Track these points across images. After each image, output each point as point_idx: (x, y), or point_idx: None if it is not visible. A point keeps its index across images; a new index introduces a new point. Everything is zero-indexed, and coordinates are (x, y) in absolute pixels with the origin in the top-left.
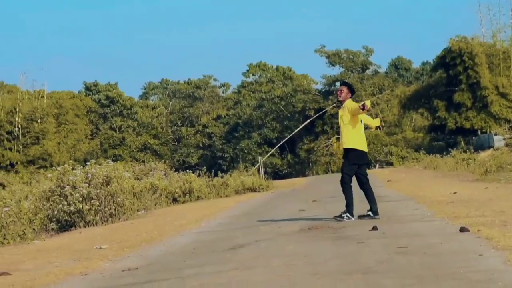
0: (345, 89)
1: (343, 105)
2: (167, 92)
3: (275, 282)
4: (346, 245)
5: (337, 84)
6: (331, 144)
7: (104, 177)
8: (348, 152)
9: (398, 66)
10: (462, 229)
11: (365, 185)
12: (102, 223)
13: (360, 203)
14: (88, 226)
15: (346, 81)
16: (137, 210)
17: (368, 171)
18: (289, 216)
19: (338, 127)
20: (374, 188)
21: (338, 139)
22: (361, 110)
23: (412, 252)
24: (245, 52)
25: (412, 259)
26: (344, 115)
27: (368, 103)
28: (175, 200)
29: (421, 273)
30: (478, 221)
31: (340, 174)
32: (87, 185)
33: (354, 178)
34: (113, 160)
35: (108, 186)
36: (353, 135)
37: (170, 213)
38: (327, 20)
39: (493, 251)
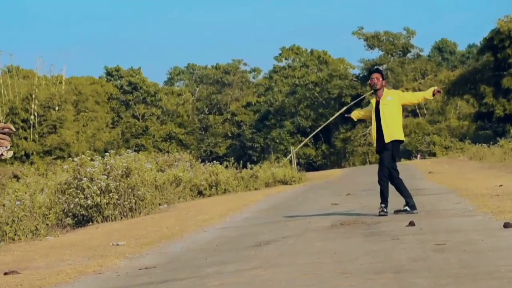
0: (380, 77)
1: (382, 94)
2: (193, 78)
3: (300, 281)
4: (379, 242)
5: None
6: (369, 133)
7: (124, 169)
8: (395, 144)
9: (442, 49)
10: (507, 225)
11: (396, 179)
12: (121, 218)
13: (397, 197)
14: (106, 221)
15: (378, 67)
16: (159, 204)
17: (409, 162)
18: (320, 211)
19: (378, 119)
20: (414, 180)
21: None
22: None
23: (450, 249)
24: (278, 34)
25: (449, 257)
26: (389, 104)
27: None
28: (200, 193)
29: (458, 272)
30: None
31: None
32: (105, 177)
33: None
34: (135, 151)
35: (128, 178)
36: (401, 125)
37: (194, 207)
38: (366, 0)
39: None
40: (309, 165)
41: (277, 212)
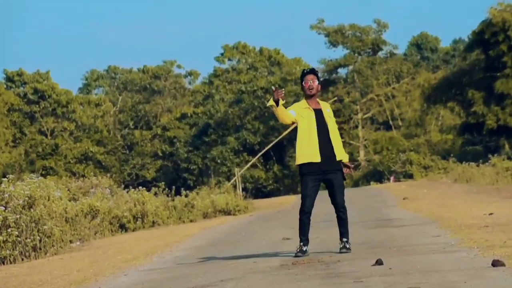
0: (316, 79)
1: (316, 102)
2: (115, 84)
3: None
4: (338, 286)
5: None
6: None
7: (26, 198)
8: (342, 166)
9: (421, 45)
10: (495, 263)
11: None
12: (23, 259)
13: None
14: (3, 263)
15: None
16: (70, 242)
17: (380, 186)
18: (269, 247)
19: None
20: (384, 208)
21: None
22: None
23: None
24: (218, 29)
25: None
26: (332, 118)
27: None
28: (122, 227)
29: None
30: None
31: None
32: (2, 208)
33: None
34: (42, 175)
35: (32, 210)
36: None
37: (114, 245)
38: None
39: None
40: (257, 191)
41: (215, 250)
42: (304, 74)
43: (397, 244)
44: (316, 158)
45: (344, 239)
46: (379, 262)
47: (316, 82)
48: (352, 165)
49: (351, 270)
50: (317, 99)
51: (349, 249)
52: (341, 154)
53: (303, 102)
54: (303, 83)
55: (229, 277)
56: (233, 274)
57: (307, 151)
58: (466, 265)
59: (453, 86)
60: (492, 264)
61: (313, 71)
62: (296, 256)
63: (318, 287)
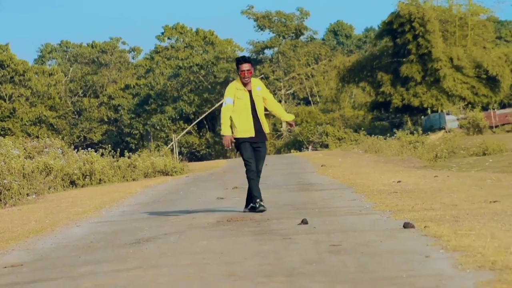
0: (251, 67)
1: (250, 84)
2: (67, 56)
3: (183, 284)
4: (269, 241)
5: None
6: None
7: None
8: (267, 138)
9: (337, 32)
10: (406, 225)
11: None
12: None
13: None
14: None
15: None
16: (27, 195)
17: (299, 153)
18: (205, 205)
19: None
20: (305, 173)
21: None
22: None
23: (346, 251)
24: (160, 11)
25: (345, 260)
26: (260, 96)
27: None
28: (73, 183)
29: (356, 276)
30: (425, 216)
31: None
32: None
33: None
34: (1, 135)
35: None
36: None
37: (66, 199)
38: None
39: (442, 252)
40: (192, 155)
41: (157, 206)
42: (239, 62)
43: (319, 206)
44: (251, 133)
45: (259, 200)
46: (304, 222)
47: (251, 71)
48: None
49: (280, 228)
50: (252, 79)
51: (264, 207)
52: (267, 128)
53: (239, 84)
54: (239, 71)
55: (172, 231)
56: (175, 228)
57: (244, 128)
58: (381, 227)
59: (365, 69)
60: (403, 226)
61: (248, 60)
62: (260, 211)
63: (251, 243)
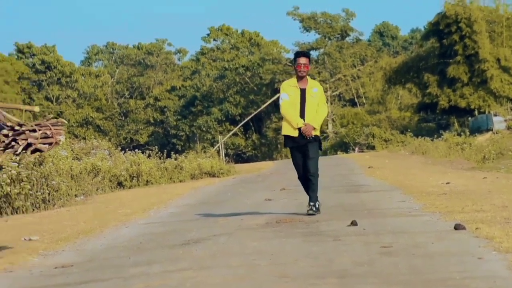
0: (308, 62)
1: (306, 82)
2: (113, 58)
3: (235, 285)
4: (319, 243)
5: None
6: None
7: (37, 156)
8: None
9: (383, 33)
10: (457, 227)
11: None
12: (34, 210)
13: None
14: (17, 213)
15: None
16: (75, 196)
17: (346, 155)
18: (253, 207)
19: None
20: (353, 175)
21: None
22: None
23: (397, 252)
24: (206, 13)
25: (397, 261)
26: (315, 98)
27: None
28: (120, 184)
29: (408, 278)
30: (476, 217)
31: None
32: (16, 164)
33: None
34: None
35: (41, 167)
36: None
37: (114, 200)
38: None
39: (495, 253)
40: (238, 156)
41: (205, 208)
42: (297, 55)
43: (368, 207)
44: (295, 132)
45: (311, 203)
46: (353, 223)
47: (308, 66)
48: (312, 136)
49: (329, 229)
50: (307, 77)
51: (315, 211)
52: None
53: (293, 81)
54: (295, 64)
55: (221, 232)
56: (224, 229)
57: (289, 126)
58: (431, 228)
59: (411, 70)
60: (454, 228)
61: (306, 54)
62: (309, 214)
63: (301, 244)
